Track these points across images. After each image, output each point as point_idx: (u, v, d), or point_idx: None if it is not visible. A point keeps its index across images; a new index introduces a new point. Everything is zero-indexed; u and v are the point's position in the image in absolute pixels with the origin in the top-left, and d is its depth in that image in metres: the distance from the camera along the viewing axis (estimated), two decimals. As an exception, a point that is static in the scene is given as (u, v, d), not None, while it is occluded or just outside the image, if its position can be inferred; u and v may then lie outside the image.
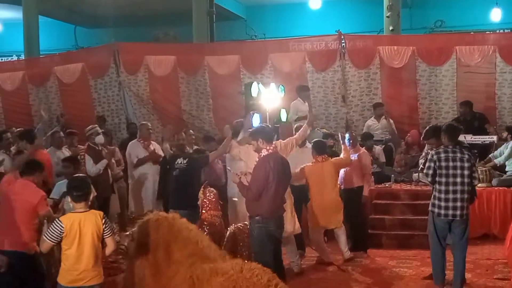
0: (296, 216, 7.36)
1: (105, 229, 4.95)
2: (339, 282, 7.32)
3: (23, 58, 16.47)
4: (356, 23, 16.50)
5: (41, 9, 16.36)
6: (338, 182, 8.50)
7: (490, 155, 9.67)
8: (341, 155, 8.25)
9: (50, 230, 4.90)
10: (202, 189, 7.43)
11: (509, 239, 7.36)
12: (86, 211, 4.96)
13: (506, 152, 9.43)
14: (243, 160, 7.30)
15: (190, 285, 4.70)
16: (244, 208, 6.33)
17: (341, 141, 8.62)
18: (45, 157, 7.92)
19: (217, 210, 7.30)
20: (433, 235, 6.66)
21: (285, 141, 7.43)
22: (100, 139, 8.78)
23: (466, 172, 6.46)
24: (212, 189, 7.46)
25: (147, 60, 12.35)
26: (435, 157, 6.53)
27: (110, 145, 9.60)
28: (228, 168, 7.35)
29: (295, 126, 8.97)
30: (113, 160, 9.04)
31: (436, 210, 6.56)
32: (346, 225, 8.31)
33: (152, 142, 9.56)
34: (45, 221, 5.95)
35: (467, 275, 6.98)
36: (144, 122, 10.23)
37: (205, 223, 7.08)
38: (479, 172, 8.39)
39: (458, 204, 6.46)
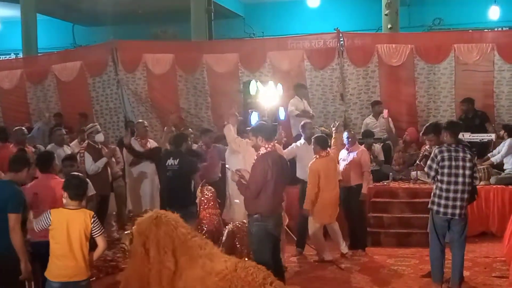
0: None
1: (94, 229, 5.04)
2: (337, 281, 7.32)
3: (21, 56, 16.46)
4: (354, 21, 16.51)
5: (39, 7, 16.32)
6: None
7: (488, 154, 9.68)
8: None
9: (40, 218, 5.07)
10: (200, 187, 7.43)
11: (507, 237, 7.40)
12: (77, 209, 5.06)
13: (503, 150, 9.44)
14: (241, 153, 7.39)
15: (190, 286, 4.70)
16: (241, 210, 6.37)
17: (333, 129, 8.66)
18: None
19: (215, 208, 7.29)
20: (432, 232, 6.67)
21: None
22: (100, 137, 8.78)
23: (467, 172, 6.47)
24: (210, 187, 7.45)
25: (145, 58, 12.33)
26: (438, 156, 6.52)
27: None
28: (227, 166, 7.34)
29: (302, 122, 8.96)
30: (113, 159, 9.03)
31: (435, 207, 6.57)
32: (345, 224, 8.31)
33: (149, 140, 9.57)
34: None
35: (466, 273, 6.99)
36: (140, 120, 10.22)
37: (203, 221, 7.07)
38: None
39: (458, 203, 6.47)
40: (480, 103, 10.82)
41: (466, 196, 6.51)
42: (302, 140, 8.63)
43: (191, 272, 4.80)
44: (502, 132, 9.80)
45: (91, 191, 6.96)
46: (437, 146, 6.84)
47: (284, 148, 8.24)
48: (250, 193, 5.92)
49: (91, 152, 8.50)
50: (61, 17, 19.19)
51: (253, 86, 7.85)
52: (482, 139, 10.00)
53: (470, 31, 13.23)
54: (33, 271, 5.44)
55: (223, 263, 4.63)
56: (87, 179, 6.27)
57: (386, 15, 13.44)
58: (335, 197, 8.01)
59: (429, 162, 6.70)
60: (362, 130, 10.71)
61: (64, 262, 4.99)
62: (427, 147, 8.75)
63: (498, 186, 9.24)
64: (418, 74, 11.22)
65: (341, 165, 8.56)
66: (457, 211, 6.48)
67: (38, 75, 13.02)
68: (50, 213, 5.06)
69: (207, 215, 7.14)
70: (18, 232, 5.21)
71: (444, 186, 6.51)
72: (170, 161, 7.71)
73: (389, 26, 13.38)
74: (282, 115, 8.41)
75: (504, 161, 9.46)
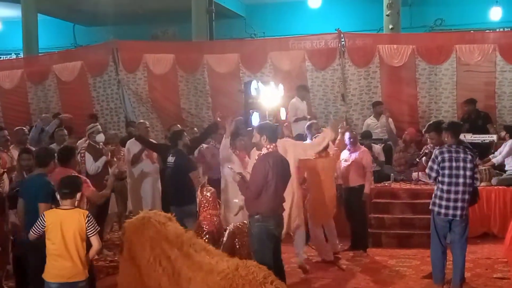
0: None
1: (88, 228, 5.05)
2: (338, 281, 7.30)
3: (22, 56, 16.47)
4: (355, 22, 16.49)
5: (40, 7, 16.35)
6: (340, 181, 8.53)
7: (490, 155, 9.67)
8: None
9: (36, 223, 5.11)
10: (199, 188, 7.41)
11: (509, 238, 7.37)
12: (70, 209, 5.09)
13: (504, 151, 9.42)
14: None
15: (187, 284, 4.69)
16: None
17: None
18: None
19: (215, 209, 7.28)
20: (433, 233, 6.65)
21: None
22: (101, 137, 8.76)
23: (468, 173, 6.45)
24: (210, 187, 7.43)
25: (146, 58, 12.33)
26: (439, 157, 6.51)
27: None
28: (229, 166, 7.32)
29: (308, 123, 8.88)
30: (114, 159, 8.99)
31: (436, 208, 6.56)
32: (346, 224, 8.29)
33: (151, 140, 9.54)
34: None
35: (467, 274, 6.97)
36: (142, 121, 10.20)
37: (204, 222, 7.06)
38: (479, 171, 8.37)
39: (459, 204, 6.45)
40: (481, 104, 10.81)
41: (467, 197, 6.49)
42: (308, 140, 8.59)
43: (192, 273, 4.79)
44: (503, 133, 9.79)
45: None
46: (437, 147, 6.83)
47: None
48: (251, 194, 5.91)
49: (91, 152, 8.48)
50: (62, 17, 19.20)
51: (254, 87, 7.84)
52: (484, 140, 9.99)
53: (471, 31, 13.24)
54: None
55: (224, 263, 4.62)
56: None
57: (387, 15, 13.45)
58: (333, 196, 8.00)
59: (430, 163, 6.68)
60: (363, 131, 10.69)
61: (61, 262, 5.02)
62: (428, 145, 8.77)
63: (500, 187, 9.21)
64: (419, 74, 11.21)
65: (343, 166, 8.55)
66: (458, 212, 6.46)
67: (39, 75, 13.03)
68: (44, 215, 5.11)
69: (207, 216, 7.13)
70: None
71: (444, 187, 6.50)
72: (169, 158, 7.69)
73: (390, 26, 13.39)
74: (283, 115, 8.40)
75: (506, 162, 9.44)
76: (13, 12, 17.96)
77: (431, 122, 7.85)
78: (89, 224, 5.05)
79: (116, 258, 7.59)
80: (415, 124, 11.13)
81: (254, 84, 8.41)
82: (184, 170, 7.62)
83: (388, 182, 9.85)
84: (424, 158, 8.77)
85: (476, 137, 9.88)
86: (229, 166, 6.77)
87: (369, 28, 15.51)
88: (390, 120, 10.78)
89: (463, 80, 11.03)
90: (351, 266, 7.89)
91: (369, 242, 8.68)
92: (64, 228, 5.01)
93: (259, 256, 5.62)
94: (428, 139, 7.91)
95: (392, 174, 9.99)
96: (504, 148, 9.47)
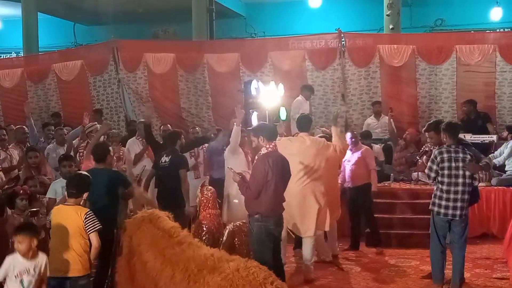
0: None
1: (86, 225, 5.12)
2: (338, 281, 7.30)
3: (22, 55, 16.45)
4: (356, 22, 16.50)
5: (40, 6, 16.33)
6: (347, 181, 8.54)
7: (490, 155, 9.65)
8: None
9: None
10: (199, 187, 7.41)
11: (508, 239, 7.37)
12: (72, 205, 5.22)
13: (506, 152, 9.40)
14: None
15: (186, 285, 4.69)
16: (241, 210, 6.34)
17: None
18: None
19: (215, 208, 7.27)
20: (432, 233, 6.65)
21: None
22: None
23: (467, 173, 6.45)
24: (210, 187, 7.42)
25: (146, 58, 12.31)
26: (438, 158, 6.51)
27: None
28: (229, 167, 7.31)
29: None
30: (115, 158, 8.98)
31: (436, 208, 6.56)
32: (348, 224, 8.28)
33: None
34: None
35: (466, 274, 6.98)
36: (142, 120, 10.18)
37: (204, 222, 7.06)
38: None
39: (458, 204, 6.45)
40: (481, 104, 10.80)
41: (466, 197, 6.49)
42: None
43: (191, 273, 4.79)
44: (505, 134, 9.78)
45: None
46: (437, 147, 6.83)
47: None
48: (251, 193, 5.91)
49: (91, 151, 8.45)
50: (62, 16, 19.18)
51: (254, 86, 7.84)
52: (484, 140, 9.98)
53: (472, 32, 13.25)
54: None
55: (225, 264, 4.63)
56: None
57: (387, 15, 13.44)
58: (337, 195, 7.98)
59: (429, 163, 6.69)
60: (363, 131, 10.68)
61: (59, 256, 5.10)
62: (428, 144, 8.76)
63: (500, 187, 9.22)
64: (419, 75, 11.21)
65: (347, 166, 8.54)
66: (458, 212, 6.46)
67: (39, 74, 13.00)
68: (51, 212, 5.27)
69: (207, 215, 7.13)
70: None
71: (444, 187, 6.50)
72: (163, 158, 7.63)
73: (390, 26, 13.38)
74: (283, 115, 8.39)
75: (506, 162, 9.43)
76: (13, 11, 17.96)
77: (430, 122, 7.82)
78: (87, 221, 5.11)
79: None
80: (415, 124, 11.13)
81: (254, 83, 8.41)
82: (178, 169, 7.59)
83: (388, 182, 9.85)
84: (424, 157, 8.77)
85: (476, 137, 9.86)
86: (229, 167, 6.77)
87: (369, 28, 15.52)
88: (391, 120, 10.76)
89: (463, 81, 11.03)
90: (351, 266, 7.89)
91: (367, 241, 8.68)
92: (64, 223, 5.12)
93: (258, 256, 5.62)
94: (428, 138, 7.92)
95: (392, 174, 9.99)
96: (505, 149, 9.45)
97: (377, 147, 10.35)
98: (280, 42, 12.39)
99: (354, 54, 11.45)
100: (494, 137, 10.02)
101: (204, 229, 6.97)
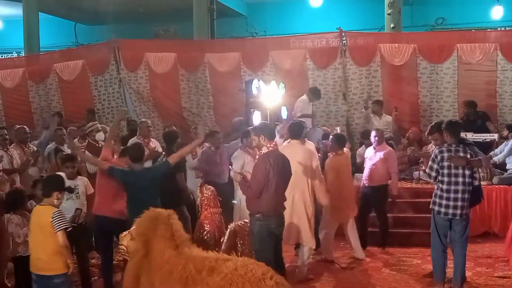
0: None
1: (53, 224, 5.22)
2: (340, 280, 7.30)
3: (23, 55, 16.47)
4: (357, 21, 16.49)
5: (41, 6, 16.35)
6: (364, 180, 8.52)
7: (490, 153, 9.65)
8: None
9: None
10: (199, 187, 7.40)
11: (510, 237, 7.36)
12: (46, 205, 5.37)
13: (506, 150, 9.41)
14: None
15: (185, 284, 4.68)
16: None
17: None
18: None
19: (216, 207, 7.26)
20: (433, 232, 6.65)
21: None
22: (100, 136, 8.76)
23: (467, 172, 6.45)
24: (209, 186, 7.40)
25: (147, 57, 12.33)
26: (439, 157, 6.51)
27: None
28: (231, 167, 7.31)
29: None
30: (115, 157, 8.98)
31: (436, 208, 6.55)
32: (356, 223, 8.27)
33: (152, 139, 9.55)
34: None
35: (468, 273, 6.98)
36: (143, 120, 10.21)
37: (205, 221, 7.05)
38: (480, 170, 8.34)
39: (459, 203, 6.44)
40: (483, 103, 10.80)
41: (466, 196, 6.48)
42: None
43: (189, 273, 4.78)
44: (506, 132, 9.77)
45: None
46: (437, 147, 6.82)
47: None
48: (252, 193, 5.91)
49: (91, 151, 8.46)
50: (63, 16, 19.20)
51: (255, 86, 7.84)
52: (485, 139, 9.98)
53: (473, 30, 13.20)
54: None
55: (223, 264, 4.62)
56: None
57: (388, 14, 13.42)
58: (351, 196, 7.99)
59: (430, 162, 6.68)
60: (363, 130, 10.68)
61: (33, 254, 5.36)
62: (431, 144, 8.75)
63: (501, 186, 9.22)
64: (420, 73, 11.20)
65: (367, 164, 8.52)
66: (458, 211, 6.45)
67: (40, 74, 13.02)
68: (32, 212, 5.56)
69: (209, 214, 7.11)
70: None
71: (444, 187, 6.49)
72: (160, 159, 7.66)
73: (391, 25, 13.36)
74: (284, 114, 8.39)
75: (507, 161, 9.44)
76: (15, 11, 17.97)
77: (432, 123, 7.79)
78: (54, 220, 5.20)
79: (115, 258, 7.57)
80: (416, 123, 11.13)
81: (255, 83, 8.42)
82: (177, 171, 7.60)
83: (389, 181, 9.82)
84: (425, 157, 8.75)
85: (477, 136, 9.86)
86: (230, 167, 6.77)
87: (370, 27, 15.52)
88: (394, 119, 10.73)
89: (464, 79, 11.02)
90: (352, 265, 7.89)
91: (367, 241, 8.65)
92: (37, 222, 5.31)
93: (260, 255, 5.63)
94: (432, 141, 7.88)
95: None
96: (505, 147, 9.46)
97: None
98: (281, 41, 12.40)
99: (355, 53, 11.45)
100: (495, 136, 10.02)
101: (206, 228, 6.96)
